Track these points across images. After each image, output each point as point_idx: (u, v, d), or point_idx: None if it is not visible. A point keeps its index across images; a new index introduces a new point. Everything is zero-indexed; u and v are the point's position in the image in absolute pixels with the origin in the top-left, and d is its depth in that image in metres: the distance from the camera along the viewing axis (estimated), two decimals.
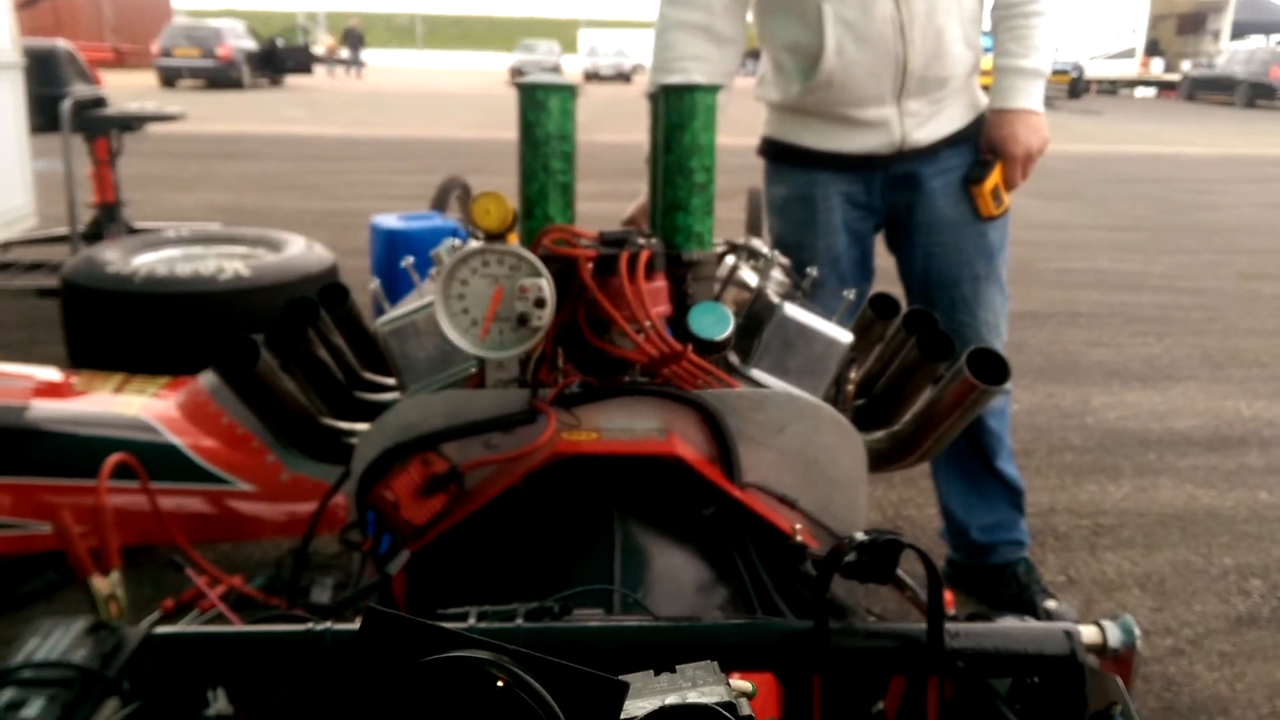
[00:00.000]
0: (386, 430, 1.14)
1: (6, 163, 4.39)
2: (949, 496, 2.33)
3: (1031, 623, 0.88)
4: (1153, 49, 32.59)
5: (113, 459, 1.44)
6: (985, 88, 2.09)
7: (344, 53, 35.65)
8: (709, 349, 1.17)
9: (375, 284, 1.45)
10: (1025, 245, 6.31)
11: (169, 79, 23.07)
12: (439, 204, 4.40)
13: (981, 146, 2.05)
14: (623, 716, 0.47)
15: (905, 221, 2.10)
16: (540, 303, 1.09)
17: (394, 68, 43.93)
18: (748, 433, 1.16)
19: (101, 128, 5.08)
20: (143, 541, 1.79)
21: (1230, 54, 27.81)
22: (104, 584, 1.43)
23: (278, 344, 1.30)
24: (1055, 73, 23.03)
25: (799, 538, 1.12)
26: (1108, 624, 0.88)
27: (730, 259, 1.48)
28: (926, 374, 1.36)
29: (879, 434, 1.37)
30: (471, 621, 0.85)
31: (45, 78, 4.97)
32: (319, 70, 31.53)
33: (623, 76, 35.52)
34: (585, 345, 1.17)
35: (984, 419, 2.16)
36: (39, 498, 2.11)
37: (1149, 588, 2.52)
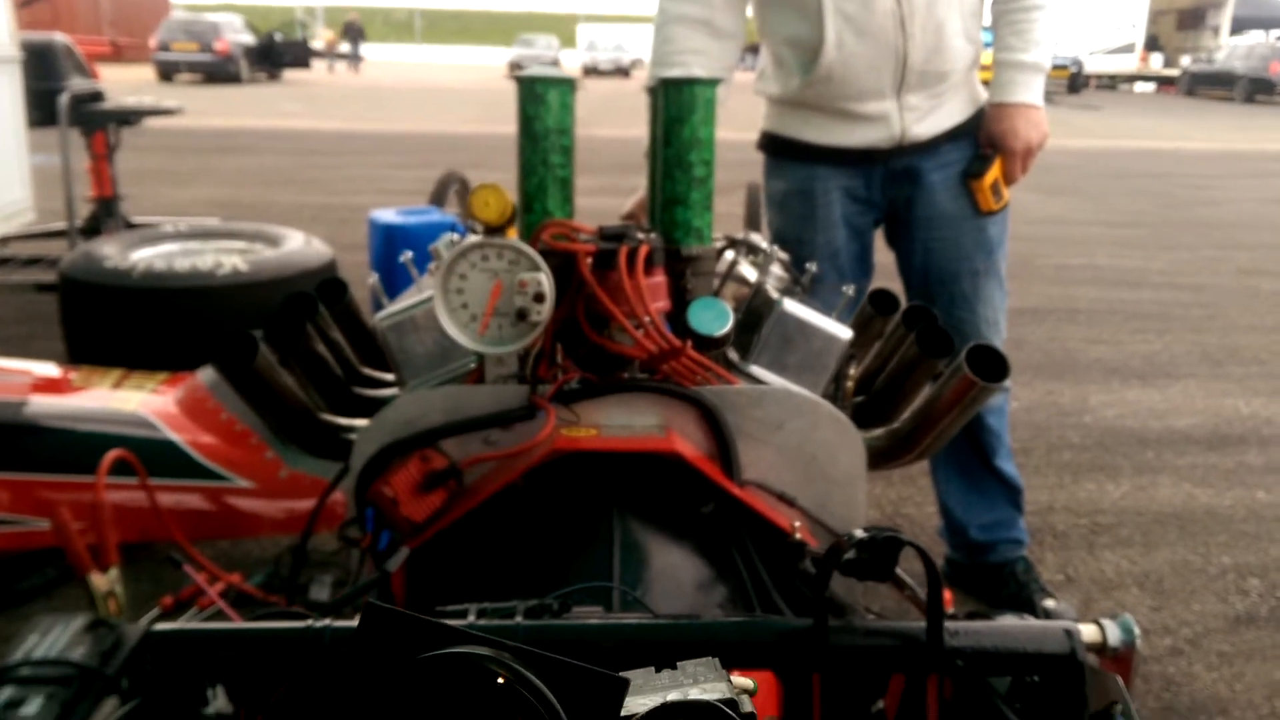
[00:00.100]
0: (385, 426, 1.14)
1: (4, 157, 4.38)
2: (948, 494, 2.33)
3: (1031, 621, 0.88)
4: (1152, 44, 32.59)
5: (111, 455, 1.44)
6: (985, 82, 2.09)
7: (344, 47, 35.59)
8: (708, 345, 1.17)
9: (374, 279, 1.45)
10: (1024, 241, 6.31)
11: (167, 73, 23.05)
12: (437, 199, 4.39)
13: (981, 141, 2.05)
14: (624, 713, 0.47)
15: (905, 216, 2.10)
16: (539, 298, 1.09)
17: (392, 62, 43.86)
18: (747, 429, 1.16)
19: (99, 122, 5.07)
20: (141, 538, 1.79)
21: (1230, 49, 27.80)
22: (103, 581, 1.42)
23: (276, 339, 1.30)
24: (1055, 68, 22.99)
25: (798, 535, 1.12)
26: (1107, 623, 0.88)
27: (729, 254, 1.47)
28: (926, 371, 1.36)
29: (878, 431, 1.36)
30: (471, 619, 0.85)
31: (43, 72, 4.96)
32: (318, 65, 31.48)
33: (621, 71, 35.49)
34: (584, 341, 1.16)
35: (983, 416, 2.16)
36: (37, 494, 2.11)
37: (1148, 587, 2.52)
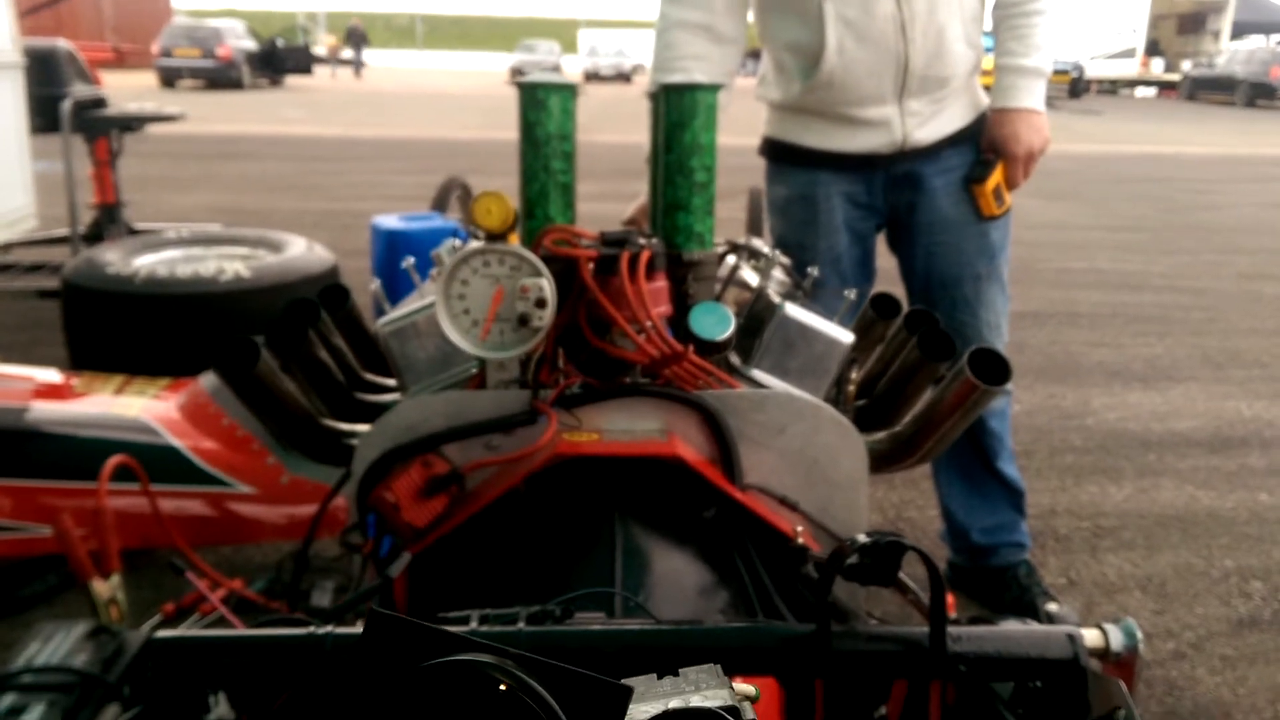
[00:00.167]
0: (387, 431, 1.14)
1: (7, 163, 4.39)
2: (950, 498, 2.33)
3: (1034, 626, 0.88)
4: (1153, 49, 32.61)
5: (113, 461, 1.44)
6: (986, 87, 2.09)
7: (346, 52, 35.68)
8: (710, 349, 1.17)
9: (376, 285, 1.45)
10: (1026, 245, 6.31)
11: (169, 79, 23.08)
12: (439, 204, 4.39)
13: (983, 146, 2.05)
14: None
15: (906, 221, 2.10)
16: (541, 303, 1.09)
17: (394, 68, 43.94)
18: (748, 434, 1.16)
19: (102, 128, 5.08)
20: (143, 544, 1.79)
21: (1230, 54, 27.82)
22: (104, 587, 1.42)
23: (278, 345, 1.30)
24: (1056, 72, 23.02)
25: (800, 540, 1.11)
26: (1110, 627, 0.88)
27: (731, 259, 1.47)
28: (928, 374, 1.36)
29: (880, 435, 1.36)
30: (473, 625, 0.85)
31: (46, 78, 4.97)
32: (321, 70, 31.56)
33: (623, 76, 35.53)
34: (586, 346, 1.16)
35: (985, 420, 2.16)
36: (39, 500, 2.11)
37: (1150, 590, 2.51)
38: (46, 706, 0.72)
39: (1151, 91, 32.03)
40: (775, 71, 2.07)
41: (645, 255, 1.13)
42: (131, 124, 5.27)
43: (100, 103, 5.18)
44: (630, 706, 0.47)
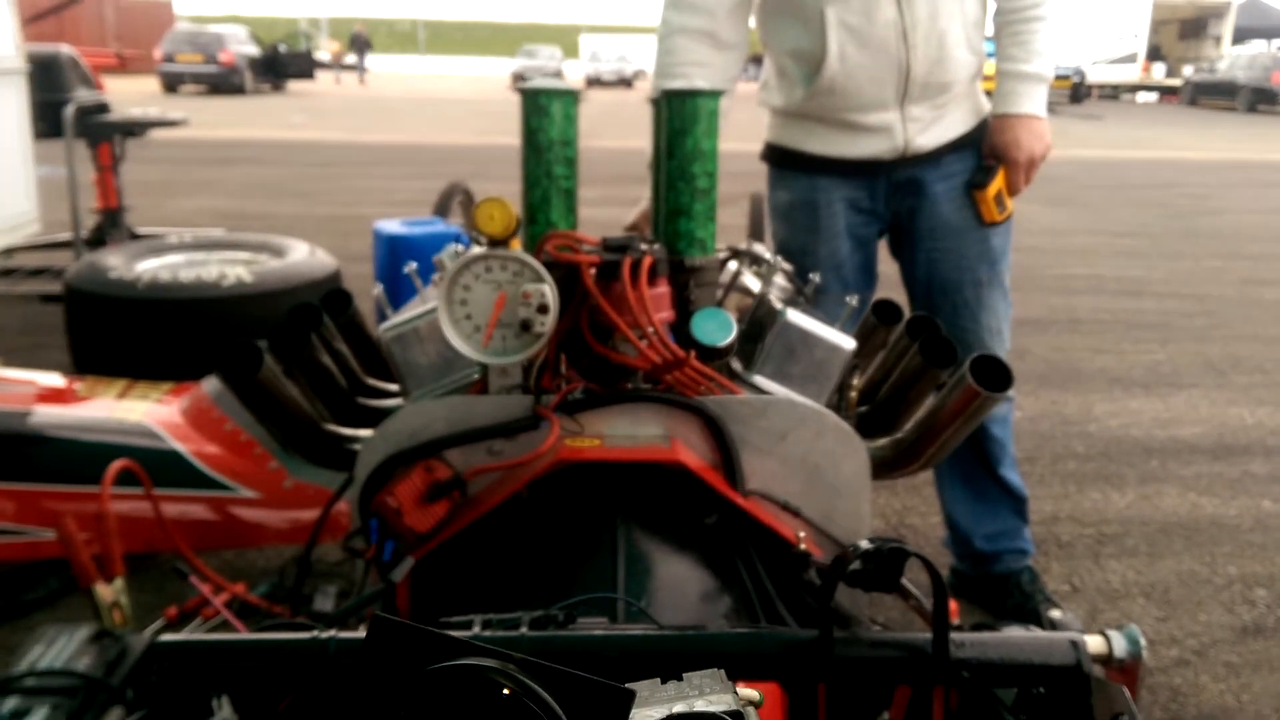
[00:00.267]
0: (389, 437, 1.14)
1: (10, 169, 4.40)
2: (952, 504, 2.33)
3: (1037, 632, 0.88)
4: (1154, 54, 32.60)
5: (116, 465, 1.44)
6: (988, 92, 2.09)
7: (350, 58, 35.80)
8: (712, 355, 1.17)
9: (378, 290, 1.45)
10: (1027, 251, 6.31)
11: (171, 84, 23.14)
12: (442, 210, 4.40)
13: (984, 152, 2.05)
14: None
15: (908, 227, 2.10)
16: (543, 308, 1.09)
17: (396, 74, 44.03)
18: (750, 440, 1.16)
19: (105, 133, 5.09)
20: (146, 549, 1.79)
21: (1232, 59, 27.82)
22: (108, 591, 1.42)
23: (281, 350, 1.30)
24: (1057, 78, 23.05)
25: (802, 546, 1.11)
26: (1113, 634, 0.88)
27: (733, 264, 1.48)
28: (929, 380, 1.36)
29: (882, 441, 1.36)
30: (476, 630, 0.85)
31: (49, 83, 4.99)
32: (325, 76, 31.63)
33: (624, 82, 35.59)
34: (588, 351, 1.16)
35: (987, 426, 2.15)
36: (42, 504, 2.11)
37: (1154, 597, 2.51)
38: (50, 710, 0.72)
39: (1153, 97, 32.03)
40: (777, 77, 2.07)
41: (647, 261, 1.13)
42: (134, 129, 5.28)
43: (103, 108, 5.20)
44: (633, 711, 0.47)
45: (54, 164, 4.93)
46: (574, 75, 33.52)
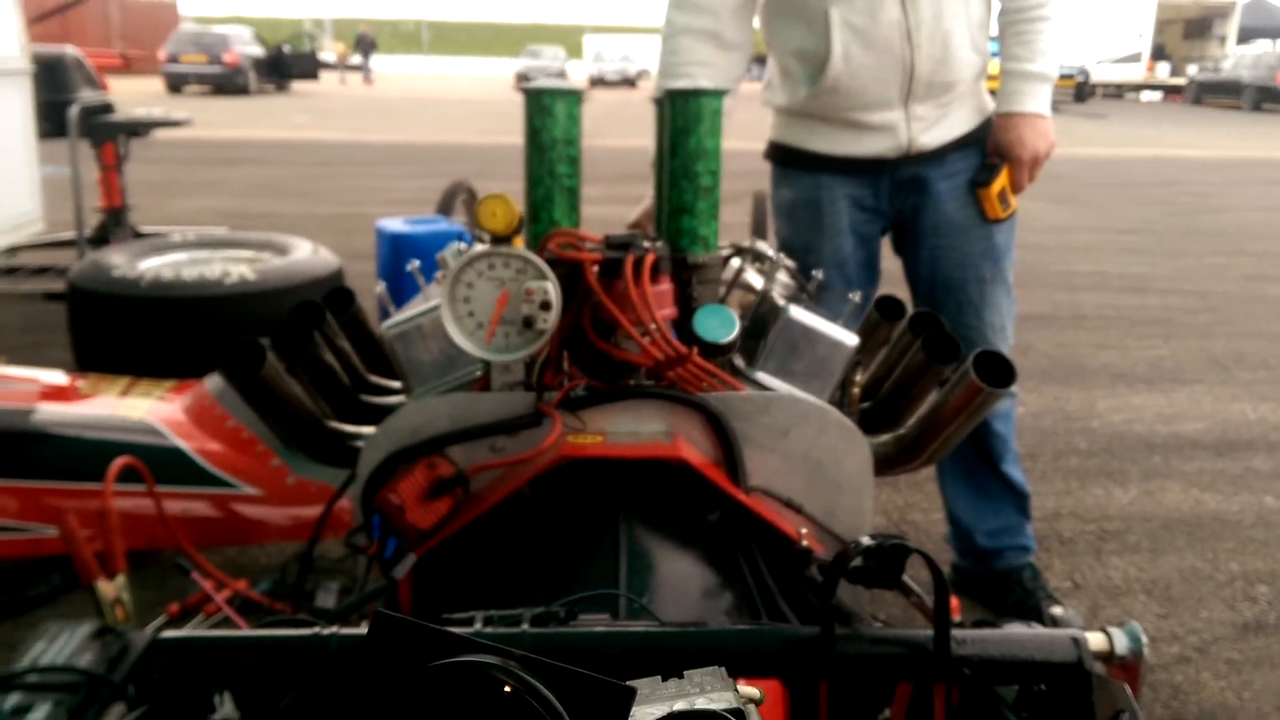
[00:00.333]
0: (392, 434, 1.14)
1: (15, 168, 4.41)
2: (954, 501, 2.33)
3: (1039, 629, 0.88)
4: (1159, 53, 32.53)
5: (119, 462, 1.45)
6: (992, 92, 2.09)
7: (356, 58, 35.88)
8: (714, 352, 1.17)
9: (381, 288, 1.45)
10: (1030, 248, 6.31)
11: (176, 85, 23.17)
12: (445, 208, 4.40)
13: (988, 150, 2.05)
14: None
15: (912, 224, 2.10)
16: (546, 306, 1.09)
17: (400, 74, 44.03)
18: (753, 436, 1.16)
19: (109, 133, 5.10)
20: (148, 545, 1.79)
21: (1236, 58, 27.76)
22: (110, 588, 1.43)
23: (284, 348, 1.31)
24: (1061, 77, 22.94)
25: (804, 542, 1.11)
26: (1115, 631, 0.88)
27: (736, 262, 1.48)
28: (932, 377, 1.35)
29: (884, 437, 1.36)
30: (478, 626, 0.85)
31: (53, 84, 5.00)
32: (331, 76, 31.65)
33: (628, 82, 35.59)
34: (591, 348, 1.17)
35: (989, 422, 2.15)
36: (45, 501, 2.11)
37: (1155, 594, 2.51)
38: (52, 706, 0.72)
39: (1157, 95, 31.97)
40: (781, 77, 2.07)
41: (650, 258, 1.14)
42: (138, 129, 5.29)
43: (107, 108, 5.21)
44: (634, 708, 0.47)
45: (58, 164, 4.94)
46: (577, 75, 33.53)
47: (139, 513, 1.65)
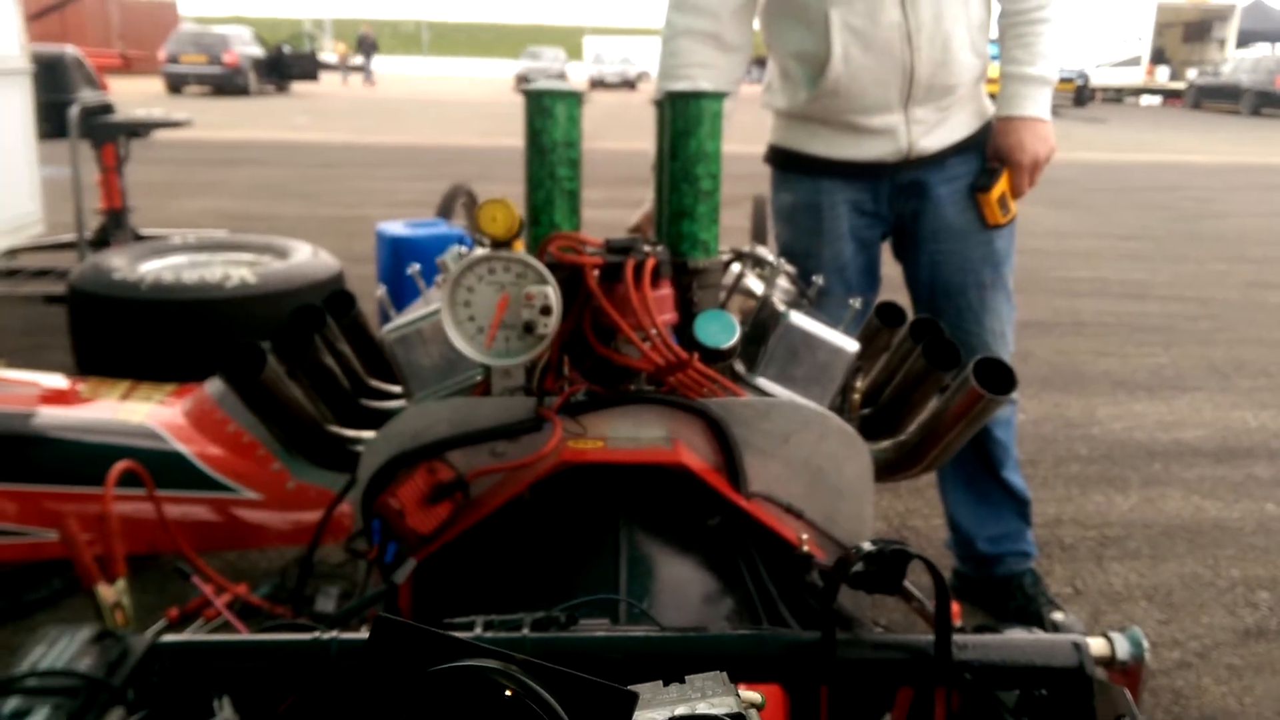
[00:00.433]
0: (392, 438, 1.14)
1: (14, 169, 4.41)
2: (955, 507, 2.32)
3: (1040, 635, 0.88)
4: (1158, 57, 32.57)
5: (119, 466, 1.45)
6: (992, 95, 2.09)
7: (357, 59, 35.96)
8: (715, 357, 1.17)
9: (381, 291, 1.45)
10: (1030, 254, 6.31)
11: (176, 85, 23.20)
12: (445, 211, 4.40)
13: (988, 154, 2.05)
14: None
15: (912, 229, 2.10)
16: (546, 310, 1.09)
17: (400, 75, 44.06)
18: (754, 442, 1.16)
19: (109, 134, 5.10)
20: (148, 549, 1.79)
21: (1236, 62, 27.81)
22: (109, 592, 1.43)
23: (284, 351, 1.31)
24: (1061, 81, 22.99)
25: (805, 548, 1.11)
26: (1116, 636, 0.88)
27: (736, 267, 1.48)
28: (933, 383, 1.35)
29: (885, 443, 1.36)
30: (478, 631, 0.85)
31: (53, 84, 5.00)
32: (332, 77, 31.69)
33: (628, 84, 35.62)
34: (591, 353, 1.16)
35: (990, 429, 2.15)
36: (45, 505, 2.11)
37: (1156, 600, 2.50)
38: (51, 710, 0.72)
39: (1157, 100, 32.01)
40: (781, 79, 2.07)
41: (650, 263, 1.14)
42: (138, 130, 5.29)
43: (107, 109, 5.21)
44: (635, 713, 0.47)
45: (58, 165, 4.94)
46: (578, 77, 33.56)
47: (139, 517, 1.65)
